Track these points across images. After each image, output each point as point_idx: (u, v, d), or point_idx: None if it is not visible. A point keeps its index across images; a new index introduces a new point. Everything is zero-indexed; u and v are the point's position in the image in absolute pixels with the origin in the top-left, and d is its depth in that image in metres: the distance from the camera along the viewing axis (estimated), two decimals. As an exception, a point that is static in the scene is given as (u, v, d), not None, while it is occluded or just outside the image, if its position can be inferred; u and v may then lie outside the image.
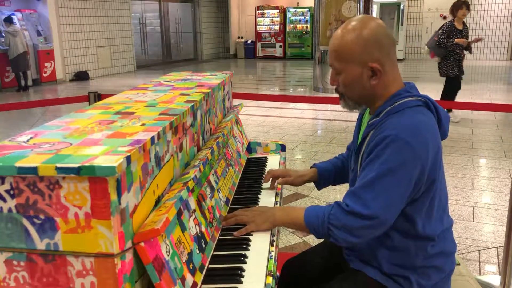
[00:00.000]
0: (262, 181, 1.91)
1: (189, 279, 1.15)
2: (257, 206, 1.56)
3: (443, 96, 6.65)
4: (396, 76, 1.40)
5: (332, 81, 1.45)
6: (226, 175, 1.79)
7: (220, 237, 1.46)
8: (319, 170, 1.78)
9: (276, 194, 1.83)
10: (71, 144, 1.07)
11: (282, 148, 2.38)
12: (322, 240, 1.74)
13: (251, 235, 1.48)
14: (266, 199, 1.77)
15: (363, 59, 1.34)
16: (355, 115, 1.51)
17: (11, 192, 0.97)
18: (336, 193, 3.95)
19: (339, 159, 1.79)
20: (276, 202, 1.75)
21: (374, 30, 1.35)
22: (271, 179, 1.87)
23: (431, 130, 1.31)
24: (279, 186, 1.89)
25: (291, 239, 3.17)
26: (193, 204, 1.35)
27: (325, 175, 1.78)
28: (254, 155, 2.35)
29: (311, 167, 1.82)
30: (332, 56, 1.40)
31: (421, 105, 1.35)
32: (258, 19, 18.14)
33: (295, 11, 17.78)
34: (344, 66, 1.37)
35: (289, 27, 17.86)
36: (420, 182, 1.29)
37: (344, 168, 1.76)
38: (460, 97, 6.79)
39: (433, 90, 9.42)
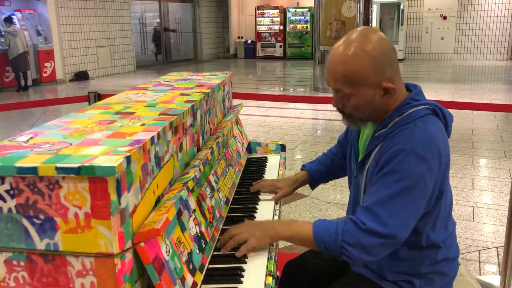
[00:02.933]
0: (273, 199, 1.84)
1: (189, 279, 1.15)
2: (247, 220, 1.44)
3: None
4: (401, 87, 1.34)
5: (336, 103, 1.34)
6: (226, 175, 1.79)
7: (220, 237, 1.46)
8: (309, 172, 1.78)
9: (275, 193, 1.82)
10: (71, 144, 1.07)
11: (282, 148, 2.38)
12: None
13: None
14: (266, 199, 1.77)
15: (376, 81, 1.26)
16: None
17: (11, 192, 0.97)
18: (336, 193, 3.95)
19: (328, 156, 1.78)
20: (276, 202, 1.75)
21: (381, 45, 1.26)
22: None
23: (442, 141, 1.27)
24: (282, 197, 1.87)
25: (291, 239, 3.17)
26: (193, 204, 1.35)
27: (316, 177, 1.78)
28: (254, 155, 2.35)
29: (301, 169, 1.81)
30: (340, 81, 1.27)
31: (430, 113, 1.31)
32: (258, 19, 18.14)
33: (295, 11, 17.78)
34: (355, 90, 1.27)
35: (289, 27, 17.86)
36: (433, 194, 1.28)
37: (334, 166, 1.76)
38: (460, 97, 6.79)
39: (432, 91, 9.43)
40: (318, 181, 1.80)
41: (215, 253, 1.37)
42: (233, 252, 1.35)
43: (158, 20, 16.40)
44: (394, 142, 1.26)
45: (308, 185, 1.83)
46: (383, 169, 1.25)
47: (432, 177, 1.24)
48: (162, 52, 16.76)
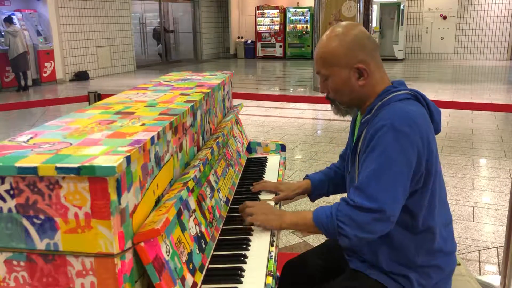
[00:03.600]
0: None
1: (189, 279, 1.15)
2: (264, 203, 1.58)
3: None
4: (382, 76, 1.43)
5: (322, 88, 1.48)
6: (226, 175, 1.79)
7: (220, 237, 1.46)
8: (313, 181, 1.76)
9: (276, 194, 1.82)
10: (71, 144, 1.07)
11: (282, 148, 2.38)
12: (322, 241, 1.74)
13: (251, 234, 1.48)
14: (266, 199, 1.77)
15: (348, 62, 1.38)
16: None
17: (11, 192, 0.97)
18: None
19: (332, 169, 1.78)
20: (276, 202, 1.75)
21: (356, 34, 1.40)
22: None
23: (423, 119, 1.33)
24: (283, 199, 1.87)
25: (291, 239, 3.17)
26: (193, 204, 1.35)
27: (319, 186, 1.76)
28: (254, 155, 2.35)
29: (304, 178, 1.80)
30: (319, 63, 1.44)
31: (411, 98, 1.38)
32: (258, 19, 18.14)
33: (295, 11, 17.78)
34: (331, 70, 1.41)
35: (289, 27, 17.85)
36: (419, 171, 1.30)
37: (337, 178, 1.74)
38: (460, 97, 6.79)
39: (432, 91, 9.43)
40: (319, 192, 1.77)
41: (215, 253, 1.37)
42: (233, 252, 1.35)
43: (159, 20, 16.40)
44: (375, 122, 1.33)
45: (309, 196, 1.80)
46: (368, 148, 1.33)
47: (414, 151, 1.28)
48: (162, 52, 16.77)
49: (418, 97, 1.40)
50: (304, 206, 3.69)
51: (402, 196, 1.29)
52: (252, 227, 1.52)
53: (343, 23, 1.46)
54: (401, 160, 1.27)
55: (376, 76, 1.41)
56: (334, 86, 1.43)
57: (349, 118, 1.60)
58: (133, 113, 1.41)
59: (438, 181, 1.38)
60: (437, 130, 1.43)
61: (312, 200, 1.81)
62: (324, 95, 1.53)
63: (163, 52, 16.80)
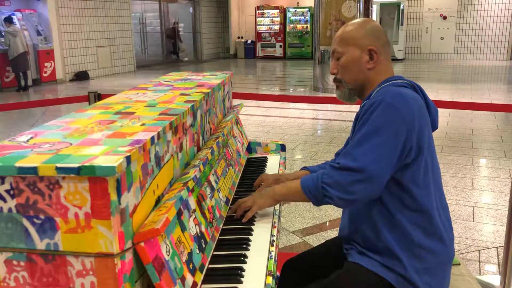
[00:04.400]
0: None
1: (189, 279, 1.15)
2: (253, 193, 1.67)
3: None
4: (389, 68, 1.53)
5: (332, 68, 1.58)
6: (226, 175, 1.79)
7: (220, 237, 1.46)
8: (310, 172, 1.77)
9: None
10: (71, 144, 1.07)
11: (282, 148, 2.38)
12: (323, 241, 1.74)
13: (251, 234, 1.48)
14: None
15: (363, 43, 1.50)
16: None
17: (11, 192, 0.97)
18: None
19: (328, 164, 1.79)
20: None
21: (374, 25, 1.54)
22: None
23: (417, 101, 1.39)
24: None
25: (291, 239, 3.17)
26: (193, 204, 1.35)
27: None
28: (254, 155, 2.35)
29: (301, 169, 1.83)
30: (336, 42, 1.56)
31: (408, 86, 1.45)
32: (258, 19, 18.14)
33: (295, 11, 17.78)
34: (346, 49, 1.52)
35: (289, 27, 17.85)
36: (408, 143, 1.34)
37: None
38: (460, 97, 6.79)
39: (432, 91, 9.43)
40: None
41: (215, 253, 1.37)
42: (233, 252, 1.35)
43: (158, 20, 16.40)
44: (369, 101, 1.40)
45: None
46: (360, 121, 1.40)
47: (404, 124, 1.33)
48: (163, 52, 16.77)
49: (415, 88, 1.47)
50: (304, 205, 3.69)
51: (386, 161, 1.32)
52: (252, 226, 1.53)
53: (364, 18, 1.59)
54: (387, 130, 1.32)
55: (382, 66, 1.51)
56: (345, 63, 1.52)
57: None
58: (133, 113, 1.41)
59: (432, 166, 1.42)
60: (434, 127, 1.49)
61: None
62: (333, 77, 1.61)
63: (163, 53, 16.79)
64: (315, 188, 1.39)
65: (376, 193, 1.36)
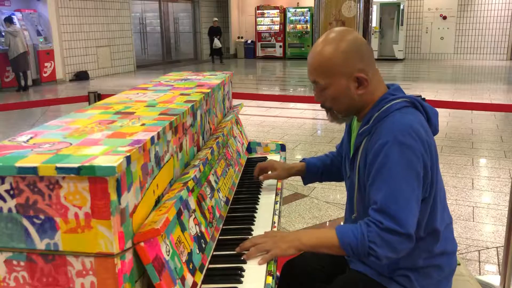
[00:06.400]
0: (261, 178, 1.87)
1: (189, 279, 1.15)
2: (271, 230, 1.47)
3: None
4: (379, 80, 1.41)
5: (317, 97, 1.44)
6: (226, 175, 1.79)
7: (220, 237, 1.46)
8: (308, 164, 1.78)
9: (276, 194, 1.83)
10: (71, 144, 1.07)
11: (282, 148, 2.38)
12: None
13: (252, 234, 1.47)
14: (266, 199, 1.77)
15: (347, 71, 1.34)
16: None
17: (11, 192, 0.97)
18: (336, 193, 3.95)
19: (329, 157, 1.79)
20: (276, 202, 1.75)
21: (353, 41, 1.35)
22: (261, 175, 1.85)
23: (422, 128, 1.32)
24: (279, 185, 1.89)
25: (291, 239, 3.17)
26: (193, 204, 1.35)
27: (313, 170, 1.78)
28: (254, 155, 2.35)
29: (300, 161, 1.83)
30: (314, 73, 1.38)
31: (408, 105, 1.36)
32: (258, 19, 18.14)
33: (295, 11, 17.78)
34: (329, 80, 1.36)
35: (289, 27, 17.86)
36: (426, 180, 1.30)
37: (333, 166, 1.76)
38: (460, 97, 6.79)
39: (432, 91, 9.43)
40: (312, 176, 1.79)
41: (215, 253, 1.37)
42: (233, 252, 1.35)
43: (158, 20, 16.39)
44: (376, 137, 1.31)
45: (302, 179, 1.82)
46: (374, 165, 1.30)
47: (420, 161, 1.27)
48: (163, 52, 16.76)
49: (415, 104, 1.38)
50: (304, 205, 3.69)
51: (417, 211, 1.28)
52: (252, 227, 1.53)
53: (337, 29, 1.41)
54: (411, 175, 1.26)
55: (374, 83, 1.39)
56: (332, 95, 1.39)
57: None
58: (133, 113, 1.41)
59: (439, 185, 1.38)
60: (435, 132, 1.43)
61: (305, 183, 1.83)
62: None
63: (163, 53, 16.78)
64: (360, 246, 1.26)
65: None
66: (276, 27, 17.97)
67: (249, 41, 18.57)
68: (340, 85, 1.36)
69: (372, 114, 1.37)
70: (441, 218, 1.39)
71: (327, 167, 1.78)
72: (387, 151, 1.27)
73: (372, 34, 11.04)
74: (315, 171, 1.78)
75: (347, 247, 1.28)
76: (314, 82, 1.41)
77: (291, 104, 8.24)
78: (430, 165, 1.31)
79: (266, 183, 1.91)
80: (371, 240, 1.26)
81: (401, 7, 16.18)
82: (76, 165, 0.92)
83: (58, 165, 0.92)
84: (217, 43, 16.27)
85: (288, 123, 6.97)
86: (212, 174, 1.63)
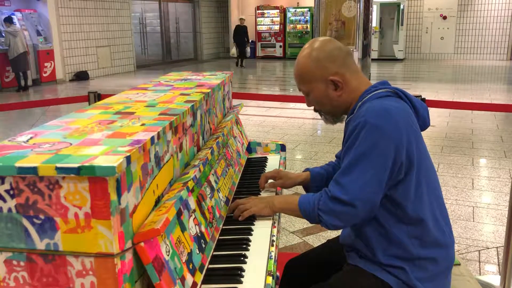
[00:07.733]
0: (267, 185, 1.86)
1: (189, 279, 1.15)
2: (252, 196, 1.67)
3: None
4: (360, 80, 1.49)
5: (307, 103, 1.58)
6: (226, 175, 1.79)
7: (220, 237, 1.46)
8: (312, 173, 1.78)
9: (276, 194, 1.83)
10: (71, 144, 1.07)
11: (282, 148, 2.38)
12: (323, 241, 1.74)
13: (251, 234, 1.48)
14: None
15: (321, 75, 1.46)
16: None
17: (11, 192, 0.97)
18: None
19: (330, 165, 1.81)
20: (276, 192, 1.75)
21: (323, 47, 1.48)
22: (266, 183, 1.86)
23: (402, 114, 1.36)
24: (279, 186, 1.89)
25: (291, 239, 3.17)
26: (193, 204, 1.35)
27: (317, 179, 1.78)
28: (254, 155, 2.35)
29: (303, 171, 1.83)
30: (297, 82, 1.55)
31: (390, 95, 1.42)
32: (258, 19, 18.14)
33: (295, 11, 17.78)
34: (308, 86, 1.50)
35: (289, 27, 17.86)
36: (398, 161, 1.33)
37: (335, 171, 1.75)
38: (460, 97, 6.79)
39: (432, 91, 9.43)
40: (316, 185, 1.78)
41: (215, 253, 1.37)
42: (233, 252, 1.35)
43: (158, 20, 16.39)
44: (353, 120, 1.39)
45: (307, 189, 1.82)
46: (346, 144, 1.40)
47: (391, 143, 1.31)
48: (163, 52, 16.76)
49: (399, 94, 1.43)
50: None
51: (375, 187, 1.33)
52: (252, 227, 1.53)
53: (311, 40, 1.55)
54: (374, 155, 1.31)
55: (353, 84, 1.47)
56: (315, 99, 1.52)
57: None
58: (133, 113, 1.41)
59: (425, 174, 1.40)
60: (424, 125, 1.48)
61: (311, 192, 1.82)
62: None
63: (163, 53, 16.78)
64: (311, 211, 1.42)
65: (369, 216, 1.38)
66: (276, 27, 17.97)
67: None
68: (319, 90, 1.48)
69: (356, 105, 1.45)
70: (430, 207, 1.41)
71: (330, 176, 1.76)
72: (358, 131, 1.34)
73: (372, 34, 11.04)
74: (319, 180, 1.78)
75: (303, 212, 1.45)
76: (300, 90, 1.56)
77: (291, 104, 8.24)
78: (407, 148, 1.33)
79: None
80: (320, 208, 1.40)
81: (401, 7, 16.18)
82: (76, 165, 0.92)
83: (58, 165, 0.92)
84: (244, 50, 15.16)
85: (288, 123, 6.97)
86: (212, 174, 1.63)
